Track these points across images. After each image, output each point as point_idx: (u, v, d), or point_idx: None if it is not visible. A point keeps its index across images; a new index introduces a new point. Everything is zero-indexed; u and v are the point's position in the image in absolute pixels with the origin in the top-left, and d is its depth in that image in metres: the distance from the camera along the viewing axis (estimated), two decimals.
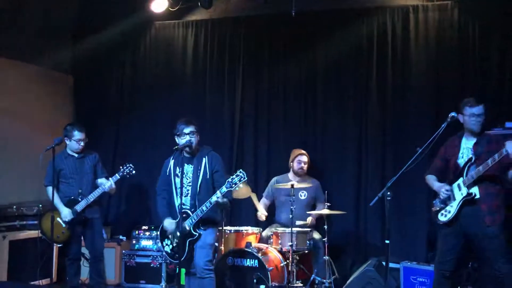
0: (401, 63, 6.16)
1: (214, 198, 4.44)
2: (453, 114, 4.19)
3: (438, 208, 4.45)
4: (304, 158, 6.02)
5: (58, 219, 5.32)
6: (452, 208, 4.31)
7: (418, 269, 5.38)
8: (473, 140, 4.34)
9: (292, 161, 6.04)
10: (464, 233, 4.30)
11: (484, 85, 5.73)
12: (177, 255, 4.64)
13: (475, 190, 4.22)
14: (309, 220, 5.81)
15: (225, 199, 4.54)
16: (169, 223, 4.69)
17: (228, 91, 6.80)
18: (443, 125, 4.14)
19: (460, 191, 4.28)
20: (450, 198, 4.35)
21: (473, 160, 4.25)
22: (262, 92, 6.72)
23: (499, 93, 5.67)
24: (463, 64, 5.87)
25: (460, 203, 4.26)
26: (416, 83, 6.06)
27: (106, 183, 5.37)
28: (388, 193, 4.01)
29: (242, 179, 4.39)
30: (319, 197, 5.93)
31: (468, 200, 4.23)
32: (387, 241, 4.00)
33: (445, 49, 5.96)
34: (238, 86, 6.75)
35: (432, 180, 4.60)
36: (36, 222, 5.78)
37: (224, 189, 4.42)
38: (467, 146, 4.37)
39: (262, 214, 5.95)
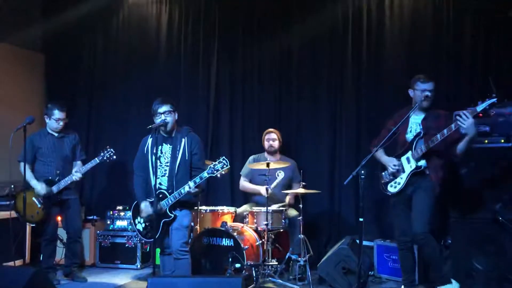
0: (376, 43, 6.17)
1: (191, 184, 4.43)
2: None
3: (387, 180, 4.67)
4: (273, 136, 6.02)
5: (34, 198, 5.26)
6: (401, 180, 4.55)
7: (391, 247, 5.47)
8: (421, 115, 4.53)
9: (263, 141, 6.07)
10: (411, 200, 4.54)
11: (457, 66, 5.77)
12: (149, 234, 4.63)
13: (422, 163, 4.47)
14: (287, 199, 5.85)
15: (197, 189, 4.53)
16: (145, 206, 4.66)
17: (202, 69, 6.76)
18: (416, 104, 4.19)
19: (409, 164, 4.51)
20: (399, 171, 4.55)
21: (421, 135, 4.45)
22: (237, 70, 6.68)
23: (471, 74, 5.72)
24: (437, 45, 5.88)
25: (409, 175, 4.50)
26: (390, 63, 6.08)
27: (74, 175, 5.31)
28: (362, 171, 4.04)
29: (224, 166, 4.38)
30: (296, 177, 5.95)
31: (417, 172, 4.47)
32: (360, 219, 4.03)
33: (419, 30, 5.98)
34: (213, 64, 6.70)
35: (380, 153, 4.75)
36: (8, 202, 5.72)
37: (205, 174, 4.41)
38: (415, 121, 4.56)
39: (262, 191, 5.65)
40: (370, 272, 5.52)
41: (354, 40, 6.24)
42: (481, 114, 4.27)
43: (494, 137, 4.87)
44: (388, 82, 6.08)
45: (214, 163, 4.40)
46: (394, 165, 4.58)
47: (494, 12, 5.56)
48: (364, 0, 6.21)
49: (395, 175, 4.60)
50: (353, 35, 6.25)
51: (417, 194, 4.48)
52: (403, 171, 4.54)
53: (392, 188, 4.62)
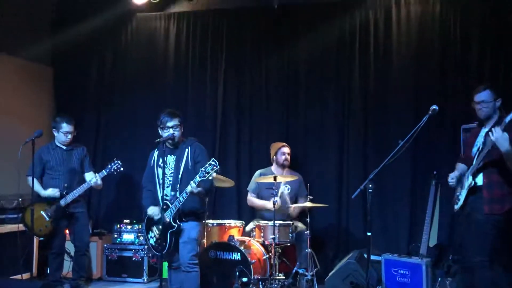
0: (383, 57, 6.19)
1: (188, 188, 4.40)
2: (434, 107, 4.17)
3: (455, 197, 4.44)
4: (287, 150, 6.03)
5: (42, 212, 5.27)
6: (461, 197, 4.32)
7: (399, 262, 5.42)
8: (487, 128, 4.28)
9: (276, 154, 6.02)
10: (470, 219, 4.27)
11: (464, 79, 5.76)
12: (160, 248, 4.61)
13: (479, 178, 4.20)
14: (293, 208, 5.81)
15: (199, 189, 4.47)
16: (152, 210, 4.67)
17: (210, 83, 6.77)
18: (424, 118, 4.14)
19: (468, 180, 4.27)
20: (461, 186, 4.34)
21: (481, 149, 4.22)
22: (245, 85, 6.70)
23: (480, 84, 5.70)
24: (444, 58, 5.91)
25: (466, 192, 4.26)
26: (398, 77, 6.10)
27: (92, 179, 5.34)
28: (370, 185, 4.01)
29: (214, 167, 4.33)
30: (302, 191, 5.93)
31: (473, 188, 4.22)
32: (368, 233, 4.01)
33: (427, 43, 6.00)
34: (220, 79, 6.72)
35: (456, 168, 4.53)
36: (16, 216, 5.74)
37: (197, 178, 4.37)
38: (481, 135, 4.33)
39: (269, 205, 5.55)
40: (378, 287, 5.48)
41: (361, 54, 6.26)
42: None
43: None
44: (396, 96, 6.09)
45: (205, 165, 4.36)
46: (452, 179, 4.41)
47: (501, 26, 5.57)
48: (371, 14, 6.24)
49: (458, 191, 4.37)
50: (360, 49, 6.28)
51: (477, 216, 4.18)
52: (463, 188, 4.32)
53: (455, 205, 4.40)
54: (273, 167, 6.06)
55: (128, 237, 6.26)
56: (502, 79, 5.60)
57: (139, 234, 6.16)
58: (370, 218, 4.03)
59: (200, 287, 4.71)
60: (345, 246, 6.12)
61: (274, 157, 6.04)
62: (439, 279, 5.07)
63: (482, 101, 4.26)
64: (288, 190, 5.88)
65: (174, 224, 4.54)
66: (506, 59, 5.61)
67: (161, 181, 4.61)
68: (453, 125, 5.72)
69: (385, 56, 6.17)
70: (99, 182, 5.39)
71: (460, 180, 4.41)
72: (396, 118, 5.99)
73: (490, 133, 3.98)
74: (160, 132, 4.72)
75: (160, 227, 4.58)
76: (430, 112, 4.17)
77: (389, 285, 5.49)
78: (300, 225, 5.72)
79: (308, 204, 5.43)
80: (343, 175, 6.28)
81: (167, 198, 4.63)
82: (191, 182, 4.39)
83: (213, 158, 4.41)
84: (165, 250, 4.56)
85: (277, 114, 6.60)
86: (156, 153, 4.77)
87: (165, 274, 5.03)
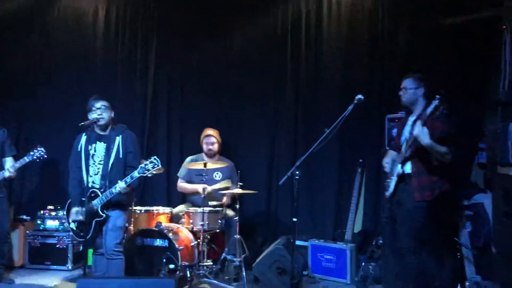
0: (314, 46, 6.26)
1: (122, 184, 4.32)
2: (359, 96, 4.24)
3: (386, 183, 4.50)
4: (212, 139, 5.98)
5: None
6: (391, 184, 4.39)
7: (325, 247, 5.57)
8: (414, 117, 4.40)
9: (201, 142, 6.01)
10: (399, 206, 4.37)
11: (392, 68, 5.92)
12: (82, 234, 4.51)
13: (408, 166, 4.30)
14: (225, 200, 5.82)
15: (128, 189, 4.43)
16: (76, 212, 4.53)
17: (140, 68, 6.65)
18: (349, 107, 4.23)
19: (397, 168, 4.36)
20: (391, 173, 4.43)
21: (408, 138, 4.30)
22: (176, 70, 6.63)
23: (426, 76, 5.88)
24: (373, 49, 6.03)
25: (396, 179, 4.35)
26: (328, 66, 6.18)
27: (5, 172, 5.12)
28: (297, 172, 4.07)
29: (155, 166, 4.28)
30: (233, 178, 5.94)
31: (402, 176, 4.32)
32: (294, 219, 4.07)
33: (356, 34, 6.10)
34: (151, 63, 6.62)
35: (386, 155, 4.63)
36: None
37: (136, 174, 4.30)
38: (409, 124, 4.43)
39: (200, 189, 5.51)
40: (304, 272, 5.59)
41: (293, 44, 6.32)
42: None
43: None
44: (325, 86, 6.18)
45: (145, 162, 4.31)
46: (386, 163, 4.50)
47: (427, 19, 5.75)
48: (302, 4, 6.29)
49: (389, 178, 4.43)
50: (291, 38, 6.33)
51: (407, 202, 4.27)
52: (393, 175, 4.39)
53: (386, 192, 4.45)
54: (204, 154, 6.03)
55: (52, 223, 6.05)
56: (431, 71, 5.78)
57: (63, 221, 5.96)
58: (297, 205, 4.08)
59: (126, 274, 4.66)
60: (274, 232, 6.19)
61: (201, 144, 6.03)
62: (363, 264, 5.24)
63: (404, 88, 4.42)
64: (219, 177, 5.88)
65: (102, 214, 4.44)
66: (431, 50, 5.79)
67: (90, 168, 4.50)
68: (379, 114, 5.86)
69: (316, 46, 6.24)
70: (11, 174, 5.17)
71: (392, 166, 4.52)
72: (326, 107, 6.08)
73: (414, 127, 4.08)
74: (89, 116, 4.58)
75: (84, 213, 4.46)
76: (355, 101, 4.23)
77: (315, 269, 5.63)
78: (229, 211, 5.74)
79: (238, 190, 5.44)
80: (274, 162, 6.36)
81: (96, 186, 4.52)
82: (121, 182, 4.31)
83: (155, 156, 4.32)
84: (88, 237, 4.46)
85: (208, 101, 6.57)
86: (84, 138, 4.62)
87: (90, 262, 4.91)
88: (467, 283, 3.82)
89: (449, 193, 4.29)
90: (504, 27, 5.04)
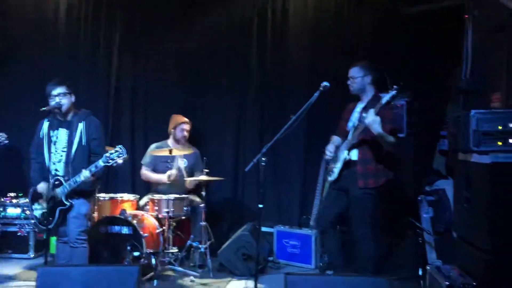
0: (280, 33, 6.26)
1: (87, 174, 4.25)
2: (325, 83, 4.28)
3: (329, 169, 4.63)
4: (187, 127, 5.95)
5: None
6: (336, 169, 4.50)
7: (290, 233, 5.62)
8: (363, 104, 4.50)
9: (175, 128, 5.93)
10: (345, 193, 4.49)
11: (357, 56, 5.92)
12: (45, 222, 4.43)
13: (354, 153, 4.40)
14: (188, 184, 5.77)
15: (92, 178, 4.35)
16: (42, 187, 4.45)
17: (104, 53, 6.52)
18: (315, 94, 4.26)
19: (342, 154, 4.46)
20: (333, 159, 4.52)
21: (356, 125, 4.41)
22: (141, 57, 6.54)
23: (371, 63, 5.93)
24: (338, 37, 6.06)
25: (341, 165, 4.45)
26: (293, 53, 6.20)
27: None
28: (263, 159, 4.08)
29: (120, 155, 4.22)
30: (198, 166, 5.91)
31: (348, 162, 4.42)
32: (260, 206, 4.09)
33: (322, 22, 6.12)
34: (115, 47, 6.49)
35: (331, 140, 4.69)
36: None
37: (100, 163, 4.24)
38: (357, 111, 4.53)
39: (164, 178, 5.58)
40: (269, 258, 5.63)
41: (259, 33, 6.30)
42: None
43: None
44: (292, 74, 6.20)
45: (110, 151, 4.25)
46: (329, 152, 4.54)
47: (391, 8, 5.81)
48: None
49: (333, 163, 4.54)
50: (258, 27, 6.30)
51: (352, 189, 4.40)
52: (338, 160, 4.49)
53: (329, 176, 4.58)
54: (170, 141, 5.97)
55: (13, 211, 5.90)
56: (393, 59, 5.85)
57: (25, 208, 5.83)
58: (263, 191, 4.09)
59: (91, 262, 4.58)
60: (240, 219, 6.19)
61: (173, 130, 5.94)
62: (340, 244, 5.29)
63: (352, 77, 4.51)
64: (184, 164, 5.83)
65: (66, 202, 4.37)
66: (394, 41, 5.85)
67: (52, 155, 4.43)
68: (345, 102, 5.89)
69: (282, 33, 6.25)
70: None
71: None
72: (292, 94, 6.10)
73: (363, 115, 4.16)
74: (49, 102, 4.47)
75: (49, 201, 4.37)
76: (321, 88, 4.27)
77: (280, 255, 5.67)
78: (195, 198, 5.71)
79: (204, 177, 5.42)
80: (240, 149, 6.35)
81: (59, 174, 4.43)
82: (86, 171, 4.24)
83: (121, 145, 4.26)
84: (51, 225, 4.38)
85: (174, 88, 6.51)
86: (46, 124, 4.52)
87: (52, 250, 4.83)
88: (428, 268, 3.90)
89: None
90: (466, 16, 5.14)
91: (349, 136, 4.43)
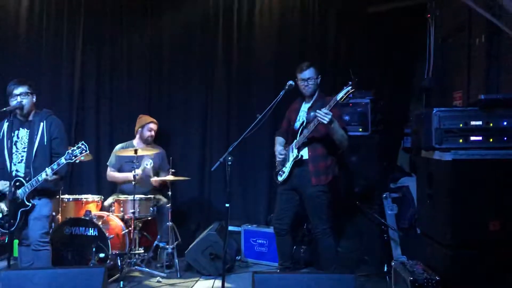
0: (246, 32, 6.26)
1: (43, 175, 4.17)
2: (290, 82, 4.35)
3: (278, 169, 4.68)
4: (154, 127, 5.89)
5: None
6: (286, 169, 4.56)
7: (258, 231, 5.64)
8: (309, 104, 4.58)
9: (142, 128, 5.85)
10: (297, 193, 4.57)
11: (321, 57, 6.01)
12: (7, 224, 4.31)
13: (304, 151, 4.48)
14: (154, 181, 5.71)
15: (55, 177, 4.25)
16: (2, 185, 4.35)
17: (67, 53, 6.36)
18: (281, 93, 4.30)
19: (292, 153, 4.53)
20: (284, 160, 4.59)
21: (304, 124, 4.49)
22: (105, 56, 6.42)
23: (335, 63, 6.00)
24: (304, 35, 6.10)
25: (291, 164, 4.52)
26: (259, 52, 6.21)
27: None
28: (230, 158, 4.08)
29: (83, 151, 4.16)
30: (164, 166, 5.86)
31: (298, 161, 4.48)
32: (227, 205, 4.08)
33: (288, 21, 6.16)
34: (78, 48, 6.34)
35: (276, 142, 4.81)
36: None
37: (63, 160, 4.17)
38: (304, 110, 4.61)
39: (130, 177, 5.38)
40: (237, 257, 5.64)
41: (225, 29, 6.28)
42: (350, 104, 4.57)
43: (353, 126, 5.19)
44: (258, 72, 6.21)
45: (72, 148, 4.18)
46: (280, 154, 4.62)
47: (354, 7, 5.88)
48: None
49: (283, 164, 4.62)
50: (223, 24, 6.28)
51: (305, 188, 4.49)
52: (288, 160, 4.56)
53: (279, 177, 4.63)
54: (135, 141, 5.90)
55: None
56: (359, 58, 5.91)
57: None
58: (230, 190, 4.08)
59: (55, 265, 4.51)
60: (207, 218, 6.18)
61: (140, 129, 5.87)
62: (294, 247, 5.32)
63: (308, 78, 4.53)
64: (150, 164, 5.77)
65: (27, 203, 4.28)
66: (358, 38, 5.93)
67: (13, 157, 4.33)
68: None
69: (248, 33, 6.25)
70: None
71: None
72: (258, 92, 6.11)
73: (319, 115, 4.18)
74: (9, 102, 4.37)
75: (7, 203, 4.26)
76: (286, 87, 4.34)
77: (248, 254, 5.68)
78: (161, 198, 5.67)
79: (170, 177, 5.39)
80: (206, 148, 6.33)
81: (20, 174, 4.34)
82: (47, 169, 4.16)
83: (83, 142, 4.20)
84: (13, 228, 4.28)
85: (139, 87, 6.42)
86: (5, 125, 4.41)
87: (16, 253, 4.72)
88: (393, 263, 3.98)
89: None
90: (429, 15, 5.24)
91: (298, 136, 4.50)
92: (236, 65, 6.27)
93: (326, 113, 4.13)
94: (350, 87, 4.10)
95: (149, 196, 5.40)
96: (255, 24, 6.23)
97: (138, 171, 5.29)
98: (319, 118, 4.17)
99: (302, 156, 4.48)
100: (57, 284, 3.23)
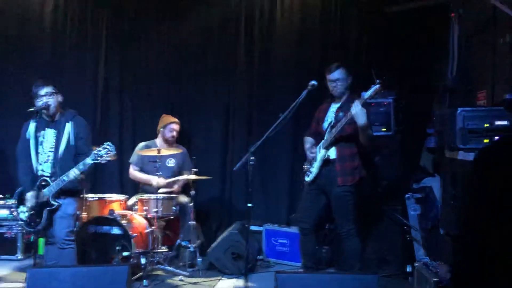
0: (268, 34, 6.28)
1: (72, 174, 4.23)
2: (313, 82, 4.33)
3: (305, 169, 4.65)
4: (176, 127, 5.93)
5: None
6: (314, 169, 4.53)
7: (279, 231, 5.64)
8: (338, 104, 4.55)
9: (164, 128, 5.90)
10: (323, 193, 4.54)
11: (343, 57, 5.97)
12: (32, 223, 4.39)
13: (332, 151, 4.45)
14: (175, 188, 5.76)
15: (82, 176, 4.33)
16: (30, 197, 4.39)
17: (91, 52, 6.46)
18: (303, 93, 4.30)
19: (319, 153, 4.50)
20: (314, 158, 4.56)
21: (332, 124, 4.46)
22: (128, 55, 6.49)
23: (356, 64, 5.97)
24: (325, 36, 6.10)
25: (319, 164, 4.48)
26: (280, 52, 6.22)
27: None
28: (252, 158, 4.09)
29: (109, 152, 4.21)
30: (186, 165, 5.89)
31: (326, 161, 4.46)
32: (249, 205, 4.09)
33: (309, 21, 6.16)
34: (102, 48, 6.44)
35: (306, 142, 4.76)
36: None
37: (89, 160, 4.22)
38: (332, 110, 4.58)
39: (153, 182, 5.49)
40: (259, 257, 5.65)
41: (247, 29, 6.31)
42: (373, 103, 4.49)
43: (376, 126, 5.16)
44: (279, 69, 6.22)
45: (98, 148, 4.24)
46: (311, 153, 4.59)
47: (375, 7, 5.85)
48: None
49: (311, 163, 4.59)
50: (245, 24, 6.31)
51: (331, 188, 4.45)
52: (316, 160, 4.53)
53: (307, 177, 4.60)
54: (158, 140, 5.95)
55: (1, 212, 5.86)
56: (381, 58, 5.88)
57: (12, 210, 5.79)
58: (252, 190, 4.11)
59: (79, 263, 4.57)
60: (229, 218, 6.20)
61: (162, 129, 5.92)
62: (316, 247, 5.31)
63: (337, 79, 4.49)
64: (172, 163, 5.82)
65: (53, 203, 4.34)
66: (380, 39, 5.89)
67: (39, 156, 4.39)
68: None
69: (270, 34, 6.26)
70: None
71: None
72: (280, 92, 6.11)
73: (340, 114, 4.23)
74: (35, 103, 4.43)
75: (35, 202, 4.34)
76: (309, 87, 4.33)
77: (269, 254, 5.69)
78: (184, 198, 5.71)
79: (193, 177, 5.42)
80: (228, 148, 6.35)
81: (46, 174, 4.40)
82: (75, 169, 4.22)
83: (109, 142, 4.25)
84: (39, 226, 4.35)
85: (162, 87, 6.48)
86: (33, 125, 4.46)
87: (41, 251, 4.80)
88: (416, 264, 3.95)
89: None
90: (452, 14, 5.19)
91: (326, 135, 4.47)
92: (257, 65, 6.28)
93: (354, 107, 4.12)
94: (378, 86, 4.08)
95: (172, 195, 5.44)
96: (276, 24, 6.24)
97: (160, 182, 5.36)
98: (351, 110, 4.14)
99: (329, 156, 4.46)
100: (82, 282, 3.28)
